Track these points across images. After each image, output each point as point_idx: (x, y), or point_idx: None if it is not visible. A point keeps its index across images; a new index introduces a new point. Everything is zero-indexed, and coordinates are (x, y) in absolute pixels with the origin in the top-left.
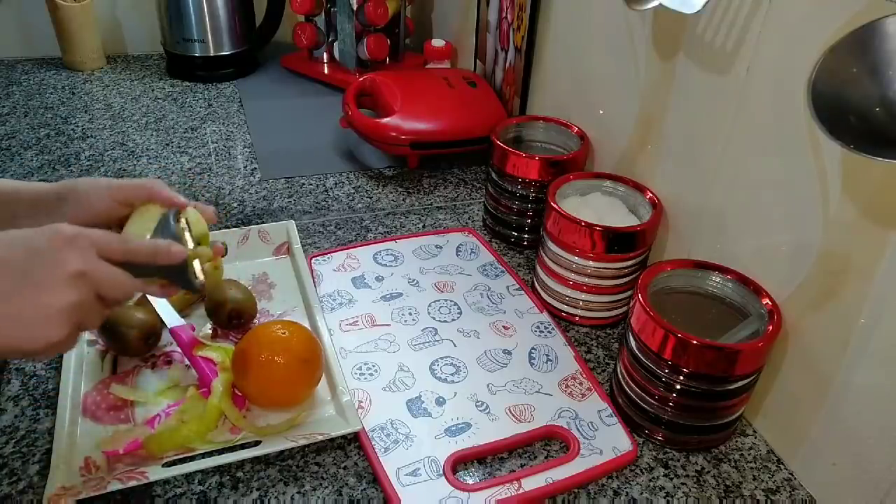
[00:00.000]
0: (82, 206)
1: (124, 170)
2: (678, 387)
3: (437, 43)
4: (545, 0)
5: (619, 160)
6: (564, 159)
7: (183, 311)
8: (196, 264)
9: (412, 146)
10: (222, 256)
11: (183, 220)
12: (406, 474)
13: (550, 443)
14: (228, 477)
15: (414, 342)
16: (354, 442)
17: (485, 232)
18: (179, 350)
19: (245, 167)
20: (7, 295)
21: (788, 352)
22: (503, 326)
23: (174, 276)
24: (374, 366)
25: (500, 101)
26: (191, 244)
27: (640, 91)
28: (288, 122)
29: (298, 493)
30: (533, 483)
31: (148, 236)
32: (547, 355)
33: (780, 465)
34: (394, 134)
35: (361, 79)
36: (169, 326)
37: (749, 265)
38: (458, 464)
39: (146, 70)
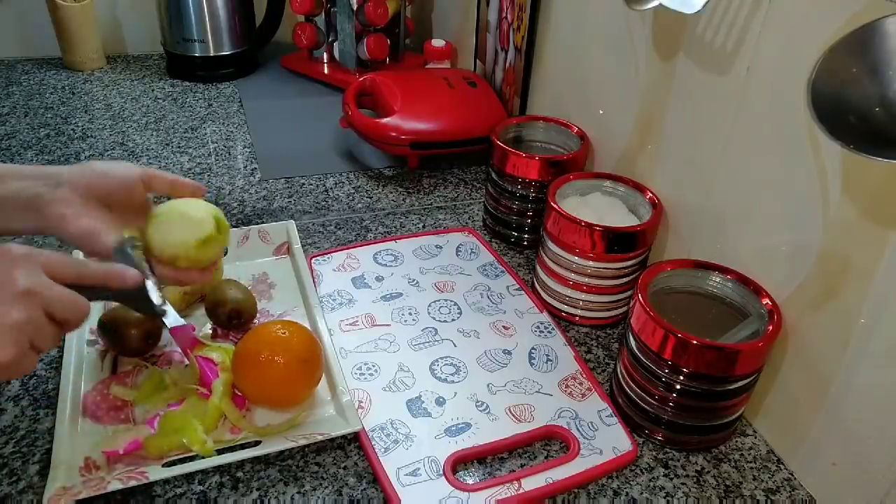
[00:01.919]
0: (107, 178)
1: None
2: (678, 387)
3: (437, 43)
4: (545, 0)
5: (619, 160)
6: (564, 159)
7: (183, 311)
8: (152, 287)
9: (412, 146)
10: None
11: (139, 248)
12: (406, 474)
13: (550, 443)
14: (228, 477)
15: (414, 342)
16: (354, 442)
17: (485, 232)
18: (179, 350)
19: (245, 167)
20: None
21: (788, 352)
22: (503, 326)
23: (132, 301)
24: (374, 366)
25: (500, 101)
26: (149, 271)
27: (640, 91)
28: (288, 122)
29: (298, 493)
30: (533, 483)
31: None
32: (547, 355)
33: (780, 465)
34: (394, 134)
35: (361, 79)
36: (169, 326)
37: (749, 265)
38: (458, 464)
39: (146, 70)
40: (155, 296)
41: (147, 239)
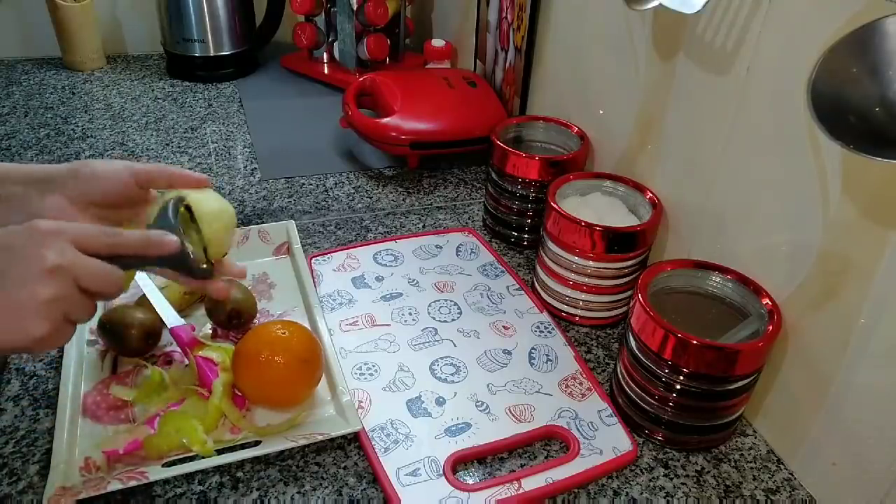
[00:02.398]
0: (97, 181)
1: None
2: (678, 387)
3: (437, 43)
4: (545, 0)
5: (619, 160)
6: (564, 159)
7: (183, 311)
8: (196, 251)
9: (412, 146)
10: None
11: (182, 209)
12: (406, 474)
13: (550, 443)
14: (228, 477)
15: (414, 342)
16: (354, 442)
17: (485, 232)
18: (179, 350)
19: (245, 167)
20: None
21: (788, 352)
22: (503, 326)
23: (175, 266)
24: (374, 366)
25: (500, 101)
26: (196, 232)
27: (640, 91)
28: (288, 122)
29: (298, 493)
30: (533, 483)
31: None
32: (547, 355)
33: (780, 465)
34: (394, 134)
35: (361, 79)
36: (169, 326)
37: (749, 265)
38: (458, 464)
39: (146, 70)
40: (199, 257)
41: None
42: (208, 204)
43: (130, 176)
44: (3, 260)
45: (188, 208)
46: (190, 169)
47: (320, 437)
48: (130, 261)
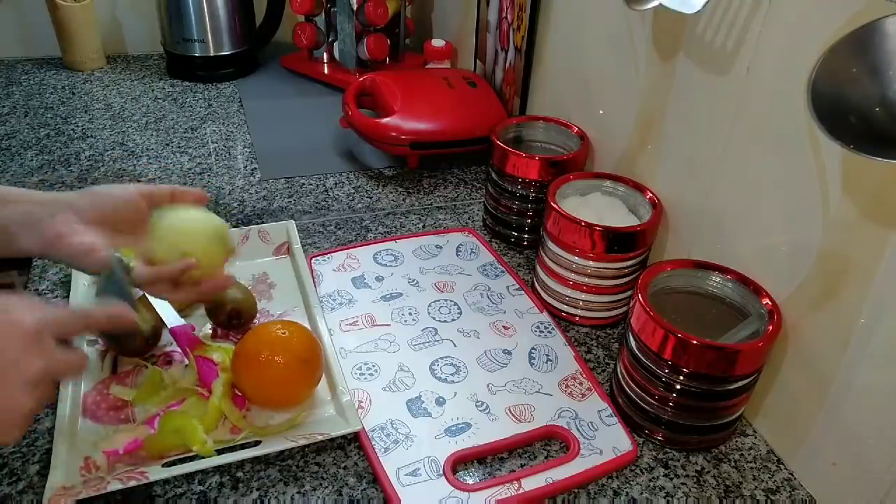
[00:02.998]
0: (109, 198)
1: (124, 169)
2: (678, 387)
3: (437, 43)
4: (545, 0)
5: (619, 160)
6: (564, 159)
7: (183, 311)
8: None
9: (412, 146)
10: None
11: (129, 266)
12: (406, 474)
13: (550, 443)
14: (228, 477)
15: (414, 342)
16: (354, 442)
17: (485, 232)
18: (179, 350)
19: (245, 167)
20: None
21: (788, 352)
22: (503, 326)
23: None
24: (374, 366)
25: (500, 101)
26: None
27: (640, 91)
28: (288, 122)
29: (298, 493)
30: (533, 483)
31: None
32: (547, 355)
33: (780, 465)
34: (394, 134)
35: (361, 79)
36: (169, 326)
37: (749, 265)
38: (458, 464)
39: (146, 70)
40: (140, 320)
41: (153, 254)
42: (188, 222)
43: (139, 193)
44: None
45: (127, 268)
46: (190, 169)
47: (320, 437)
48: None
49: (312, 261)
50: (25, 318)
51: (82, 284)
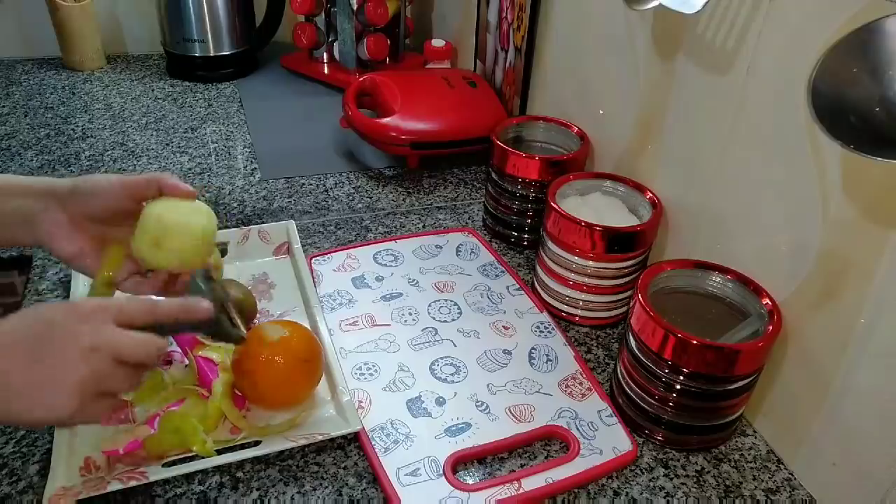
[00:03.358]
0: (94, 198)
1: (124, 170)
2: (678, 387)
3: (437, 43)
4: (545, 0)
5: (619, 160)
6: (564, 159)
7: None
8: (234, 317)
9: (412, 146)
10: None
11: (214, 278)
12: (406, 474)
13: (550, 443)
14: (228, 477)
15: (414, 342)
16: (354, 442)
17: (485, 232)
18: (179, 350)
19: (245, 167)
20: (18, 370)
21: (788, 352)
22: (503, 326)
23: (210, 331)
24: (374, 366)
25: (500, 101)
26: (231, 296)
27: (640, 91)
28: (288, 122)
29: (298, 493)
30: (533, 483)
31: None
32: (547, 355)
33: (780, 465)
34: (394, 134)
35: (361, 79)
36: None
37: (749, 265)
38: (458, 464)
39: (146, 70)
40: (237, 321)
41: (138, 250)
42: (178, 215)
43: (123, 189)
44: (41, 337)
45: (214, 280)
46: (190, 169)
47: (320, 437)
48: (167, 328)
49: (312, 261)
50: (83, 304)
51: (82, 284)
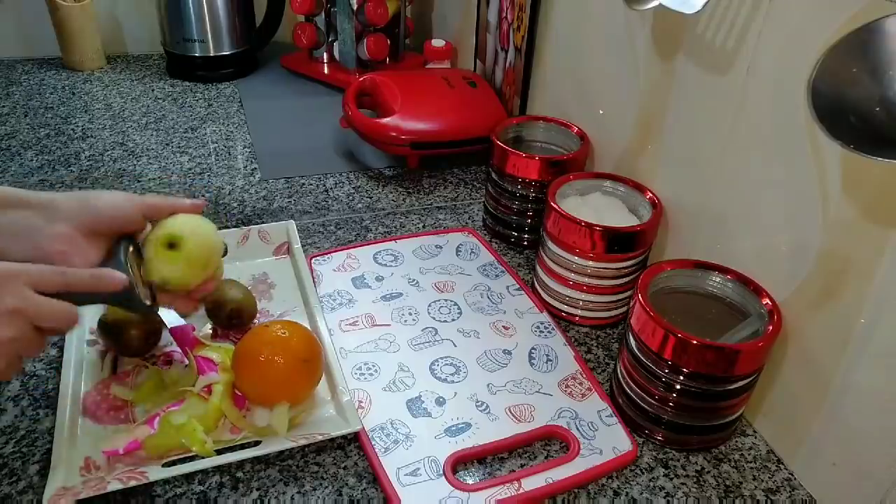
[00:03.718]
0: (99, 217)
1: (124, 170)
2: (678, 387)
3: (437, 43)
4: (545, 0)
5: (619, 160)
6: (564, 159)
7: None
8: (141, 289)
9: (412, 146)
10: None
11: (131, 249)
12: (406, 474)
13: (550, 443)
14: (228, 477)
15: (414, 342)
16: (354, 442)
17: (485, 232)
18: (179, 350)
19: (245, 167)
20: None
21: (788, 352)
22: (503, 326)
23: (121, 303)
24: (374, 366)
25: (500, 101)
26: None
27: (640, 91)
28: (288, 122)
29: (298, 493)
30: (533, 483)
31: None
32: (547, 355)
33: (780, 465)
34: (394, 134)
35: (361, 79)
36: (169, 326)
37: (749, 265)
38: (458, 464)
39: (146, 70)
40: (143, 294)
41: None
42: (189, 229)
43: (134, 209)
44: None
45: (137, 249)
46: (190, 169)
47: (320, 437)
48: (81, 297)
49: (312, 261)
50: (3, 265)
51: None
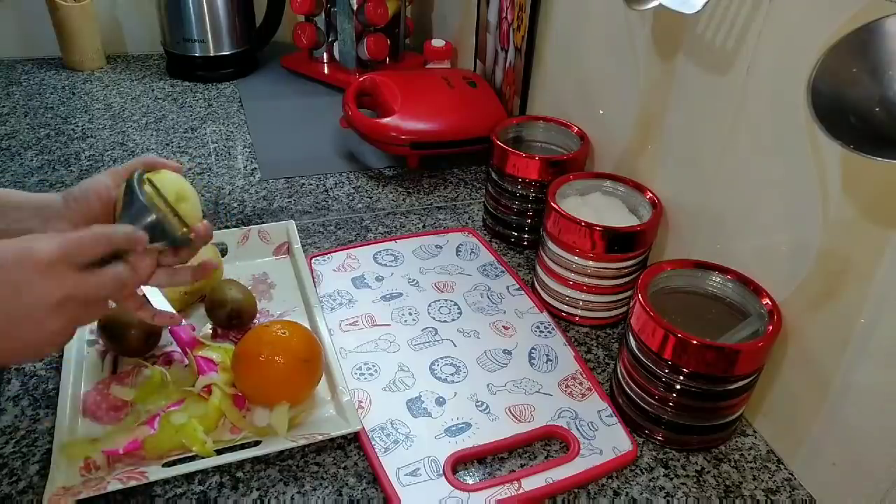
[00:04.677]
0: (89, 197)
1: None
2: (678, 387)
3: (437, 43)
4: (545, 0)
5: (619, 160)
6: (564, 159)
7: (183, 311)
8: (175, 218)
9: (412, 146)
10: (223, 256)
11: (147, 182)
12: (406, 474)
13: (550, 443)
14: (228, 477)
15: (414, 342)
16: (354, 442)
17: (485, 232)
18: (179, 350)
19: (245, 167)
20: None
21: (788, 352)
22: (503, 326)
23: (159, 238)
24: (374, 366)
25: (500, 101)
26: (165, 201)
27: (640, 91)
28: (288, 122)
29: (298, 493)
30: (533, 483)
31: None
32: (547, 355)
33: (780, 465)
34: (394, 134)
35: (361, 79)
36: (169, 326)
37: (749, 265)
38: (458, 464)
39: (146, 70)
40: (175, 223)
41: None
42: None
43: (113, 179)
44: (11, 301)
45: (151, 182)
46: (190, 169)
47: (320, 437)
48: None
49: (312, 261)
50: (42, 248)
51: None
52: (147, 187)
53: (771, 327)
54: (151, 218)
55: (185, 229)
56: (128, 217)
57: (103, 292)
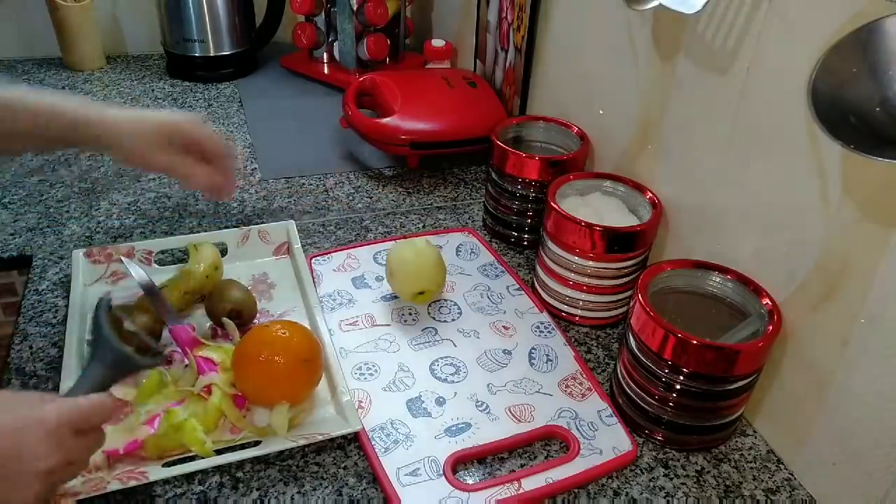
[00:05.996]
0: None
1: (124, 170)
2: (678, 387)
3: (437, 43)
4: (545, 0)
5: (619, 160)
6: (564, 159)
7: (183, 311)
8: (144, 336)
9: (412, 146)
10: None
11: (114, 310)
12: (406, 474)
13: (550, 443)
14: (228, 477)
15: (414, 342)
16: (354, 442)
17: (485, 232)
18: (179, 350)
19: (245, 167)
20: None
21: (788, 352)
22: (503, 326)
23: (128, 369)
24: (374, 366)
25: (500, 101)
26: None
27: (640, 91)
28: (288, 122)
29: (298, 493)
30: (533, 483)
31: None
32: (547, 355)
33: (780, 465)
34: (394, 134)
35: (361, 79)
36: (169, 326)
37: (749, 265)
38: (458, 464)
39: (146, 70)
40: (139, 356)
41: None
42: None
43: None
44: (10, 456)
45: (118, 310)
46: None
47: (320, 437)
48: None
49: (312, 261)
50: (51, 415)
51: (82, 284)
52: (112, 316)
53: (771, 327)
54: (117, 354)
55: (151, 355)
56: (96, 350)
57: (88, 456)
